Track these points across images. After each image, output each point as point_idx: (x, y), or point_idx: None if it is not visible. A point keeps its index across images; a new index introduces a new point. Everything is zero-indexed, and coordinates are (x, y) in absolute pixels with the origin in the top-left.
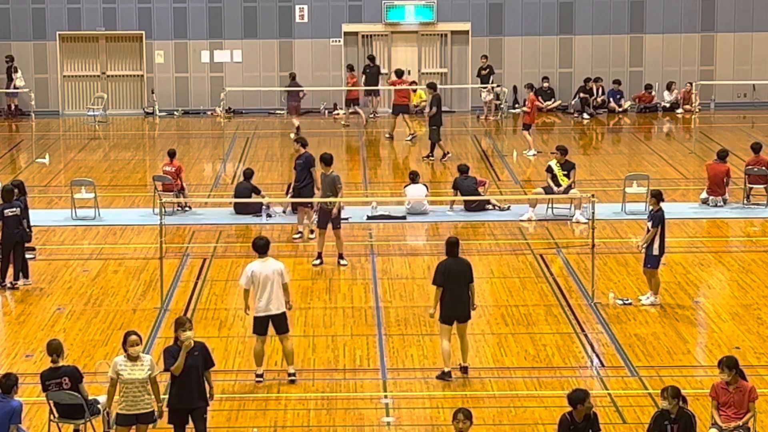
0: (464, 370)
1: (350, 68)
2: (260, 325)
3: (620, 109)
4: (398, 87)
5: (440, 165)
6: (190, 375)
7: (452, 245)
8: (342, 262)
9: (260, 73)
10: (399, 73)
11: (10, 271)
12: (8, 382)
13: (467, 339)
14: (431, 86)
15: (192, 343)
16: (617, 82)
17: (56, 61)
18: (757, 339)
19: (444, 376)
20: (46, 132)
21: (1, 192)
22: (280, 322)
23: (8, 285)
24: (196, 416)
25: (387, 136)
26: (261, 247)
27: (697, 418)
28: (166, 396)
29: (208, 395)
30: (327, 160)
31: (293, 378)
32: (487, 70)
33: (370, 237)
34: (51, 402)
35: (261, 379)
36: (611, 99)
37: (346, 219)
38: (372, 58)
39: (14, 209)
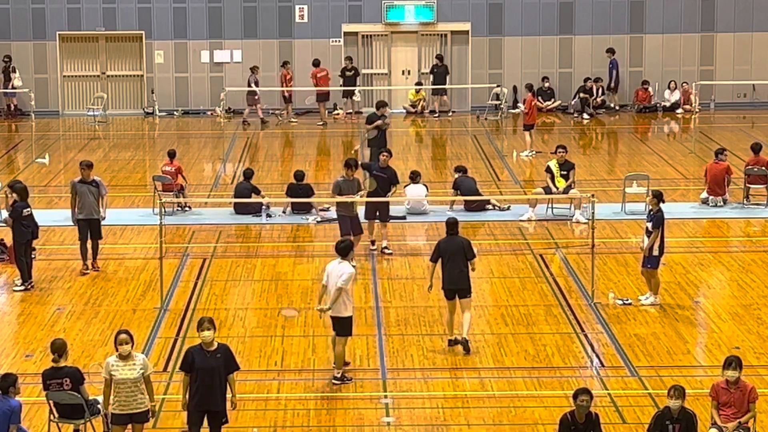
0: (465, 343)
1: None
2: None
3: (619, 108)
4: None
5: (440, 164)
6: (210, 377)
7: (449, 225)
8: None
9: (260, 73)
10: (316, 63)
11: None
12: (4, 382)
13: (469, 313)
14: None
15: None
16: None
17: (56, 61)
18: (757, 339)
19: (450, 344)
20: (45, 132)
21: (13, 190)
22: (341, 325)
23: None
24: (214, 421)
25: (320, 123)
26: (340, 250)
27: (698, 417)
28: (164, 396)
29: (230, 402)
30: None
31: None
32: (352, 72)
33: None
34: (51, 402)
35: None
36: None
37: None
38: (441, 57)
39: (29, 208)
